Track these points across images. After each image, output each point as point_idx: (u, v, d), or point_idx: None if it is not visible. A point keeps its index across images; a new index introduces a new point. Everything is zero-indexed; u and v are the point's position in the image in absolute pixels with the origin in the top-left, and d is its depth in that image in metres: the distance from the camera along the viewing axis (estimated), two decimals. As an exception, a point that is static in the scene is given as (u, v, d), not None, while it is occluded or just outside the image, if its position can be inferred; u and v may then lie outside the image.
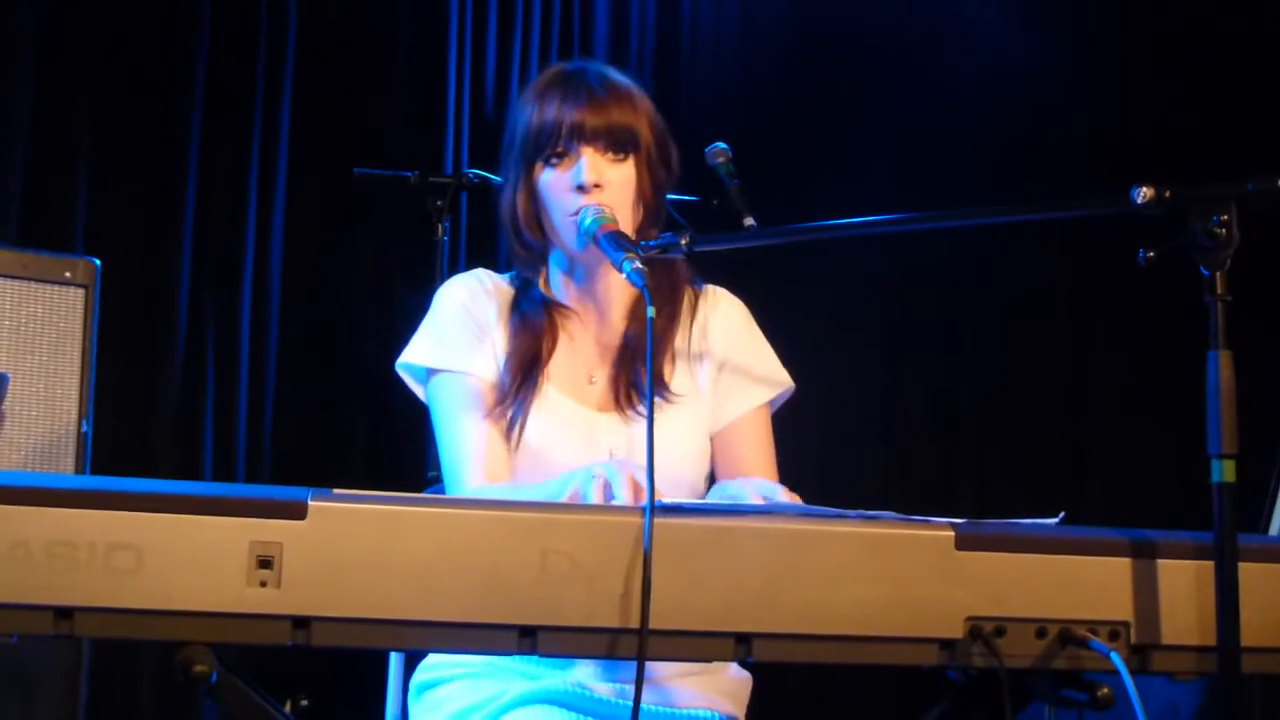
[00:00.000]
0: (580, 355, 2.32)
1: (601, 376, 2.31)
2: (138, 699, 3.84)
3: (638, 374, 2.27)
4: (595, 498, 1.85)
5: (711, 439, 2.35)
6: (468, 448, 2.22)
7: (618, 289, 2.33)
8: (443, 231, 3.37)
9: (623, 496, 1.83)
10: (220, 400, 4.01)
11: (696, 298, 2.40)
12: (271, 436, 4.09)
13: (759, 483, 1.97)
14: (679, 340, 2.35)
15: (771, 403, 2.39)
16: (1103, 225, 4.58)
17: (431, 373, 2.29)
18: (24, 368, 2.82)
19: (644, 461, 2.14)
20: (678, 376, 2.33)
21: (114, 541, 1.45)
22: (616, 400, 2.28)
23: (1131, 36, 5.14)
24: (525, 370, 2.25)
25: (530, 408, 2.24)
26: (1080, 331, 5.15)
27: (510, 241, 2.32)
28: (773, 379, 2.38)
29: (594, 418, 2.27)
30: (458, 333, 2.29)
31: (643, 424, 2.23)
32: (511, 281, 2.38)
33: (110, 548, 1.45)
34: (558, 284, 2.35)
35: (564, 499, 1.89)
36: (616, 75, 2.30)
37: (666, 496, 1.67)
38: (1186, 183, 1.72)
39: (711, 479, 2.35)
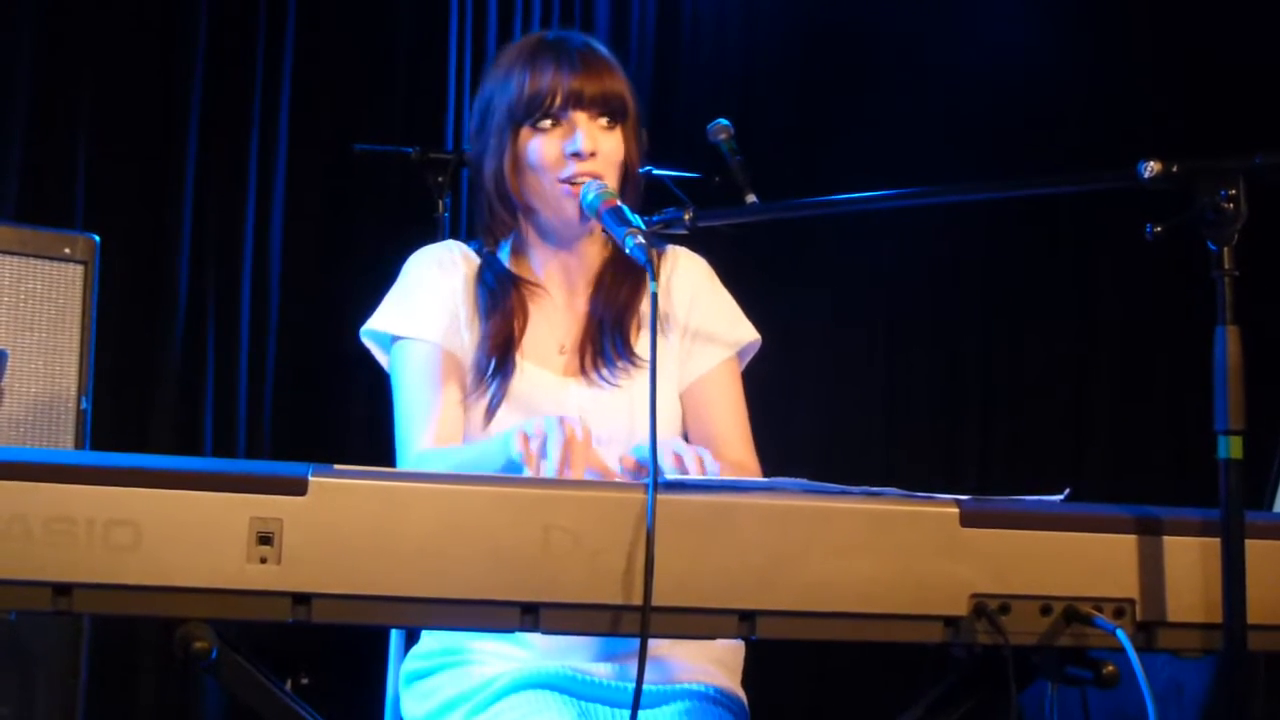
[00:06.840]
0: (549, 326, 2.34)
1: (570, 345, 2.33)
2: (138, 676, 3.84)
3: (604, 343, 2.30)
4: (530, 467, 1.87)
5: (680, 398, 2.37)
6: (421, 411, 2.24)
7: (589, 259, 2.36)
8: (443, 207, 3.35)
9: (554, 460, 1.85)
10: (220, 376, 4.00)
11: (659, 260, 2.40)
12: (271, 412, 4.09)
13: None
14: (645, 305, 2.36)
15: (740, 355, 2.40)
16: (1106, 203, 4.58)
17: (395, 339, 2.30)
18: (23, 344, 2.81)
19: (608, 428, 2.21)
20: (644, 341, 2.34)
21: (113, 517, 1.44)
22: (583, 367, 2.30)
23: (1136, 22, 5.13)
24: (501, 352, 2.27)
25: (509, 387, 2.26)
26: (1083, 308, 5.14)
27: (492, 209, 2.32)
28: (734, 333, 2.39)
29: (563, 383, 2.29)
30: (423, 301, 2.31)
31: (608, 389, 2.28)
32: (479, 252, 2.39)
33: (109, 524, 1.44)
34: (532, 252, 2.36)
35: (517, 457, 1.89)
36: (599, 45, 2.32)
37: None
38: (1193, 157, 1.70)
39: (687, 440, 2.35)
